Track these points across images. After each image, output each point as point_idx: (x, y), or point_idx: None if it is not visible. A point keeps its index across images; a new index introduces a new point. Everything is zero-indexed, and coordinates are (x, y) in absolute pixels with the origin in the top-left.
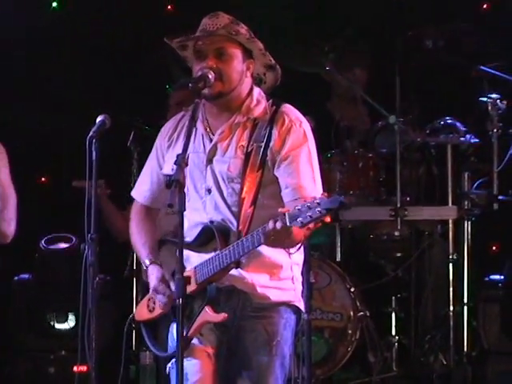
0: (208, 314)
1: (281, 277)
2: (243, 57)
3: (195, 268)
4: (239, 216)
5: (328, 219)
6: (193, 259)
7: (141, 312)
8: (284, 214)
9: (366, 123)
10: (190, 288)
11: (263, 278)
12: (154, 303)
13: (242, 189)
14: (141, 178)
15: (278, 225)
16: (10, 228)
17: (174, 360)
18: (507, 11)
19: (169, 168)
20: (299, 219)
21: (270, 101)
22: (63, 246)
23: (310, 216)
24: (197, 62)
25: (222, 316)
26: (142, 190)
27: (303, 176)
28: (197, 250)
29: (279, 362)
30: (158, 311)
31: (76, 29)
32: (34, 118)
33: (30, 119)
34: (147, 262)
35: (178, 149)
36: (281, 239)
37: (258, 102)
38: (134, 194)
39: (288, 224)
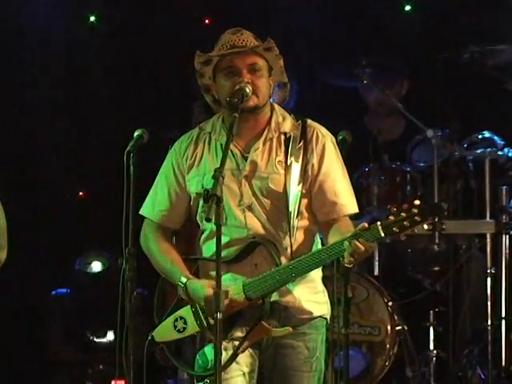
0: (267, 329)
1: (316, 290)
2: (268, 73)
3: (244, 285)
4: (289, 229)
5: (426, 226)
6: (226, 275)
7: (165, 333)
8: (375, 225)
9: (398, 134)
10: (241, 304)
11: (305, 291)
12: (185, 322)
13: (288, 202)
14: (155, 198)
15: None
16: (3, 254)
17: (207, 379)
18: None
19: (196, 186)
20: (395, 228)
21: (292, 116)
22: (98, 267)
23: (410, 223)
24: (227, 76)
25: (288, 330)
26: (158, 210)
27: (343, 193)
28: (230, 265)
29: (318, 376)
30: (190, 331)
31: (114, 43)
32: (72, 133)
33: (67, 134)
34: (184, 279)
35: (204, 167)
36: (363, 253)
37: (284, 116)
38: (147, 213)
39: (382, 235)
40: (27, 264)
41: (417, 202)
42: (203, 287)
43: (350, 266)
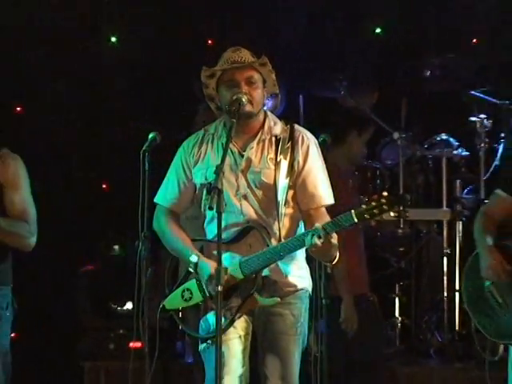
0: (259, 299)
1: (300, 267)
2: (262, 84)
3: (240, 261)
4: (278, 215)
5: (395, 213)
6: (225, 254)
7: (174, 302)
8: (350, 212)
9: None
10: (238, 278)
11: (291, 268)
12: (191, 293)
13: (276, 193)
14: (166, 187)
15: (346, 221)
16: (33, 239)
17: (209, 341)
18: (494, 45)
19: (201, 178)
20: (367, 215)
21: (282, 121)
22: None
23: (380, 211)
24: (228, 88)
25: (277, 300)
26: (169, 198)
27: (321, 186)
28: (229, 245)
29: (301, 339)
30: (195, 300)
31: (132, 59)
32: (98, 137)
33: (95, 138)
34: (195, 258)
35: (208, 161)
36: (329, 247)
37: (275, 122)
38: (160, 200)
39: (355, 220)
40: (59, 246)
41: (385, 194)
42: (209, 267)
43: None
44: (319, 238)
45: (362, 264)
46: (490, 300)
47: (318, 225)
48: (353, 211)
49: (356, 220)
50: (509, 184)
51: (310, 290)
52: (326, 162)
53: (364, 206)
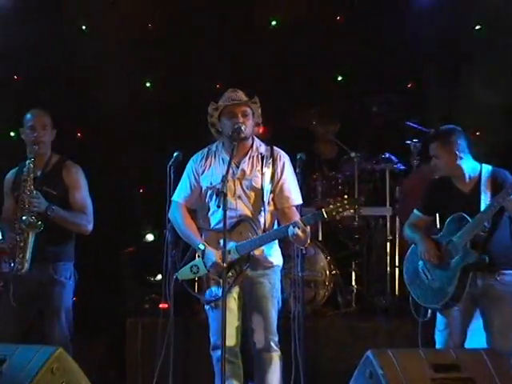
0: (250, 272)
1: (275, 249)
2: (252, 116)
3: (236, 245)
4: (264, 212)
5: (352, 210)
6: (223, 240)
7: (185, 274)
8: (321, 210)
9: (333, 155)
10: (235, 257)
11: (268, 248)
12: (198, 268)
13: (263, 195)
14: (181, 188)
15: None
16: (90, 226)
17: (212, 304)
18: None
19: (207, 183)
20: (334, 213)
21: (265, 143)
22: (151, 237)
23: (343, 209)
24: (228, 118)
25: (263, 272)
26: (184, 196)
27: (293, 191)
28: (227, 233)
29: (276, 301)
30: (200, 274)
31: (161, 98)
32: (138, 154)
33: (135, 156)
34: (202, 246)
35: (212, 170)
36: (305, 235)
37: (260, 144)
38: (176, 198)
39: (326, 217)
40: (110, 233)
41: (346, 196)
42: (213, 255)
43: (295, 243)
44: (299, 228)
45: None
46: (422, 277)
47: (297, 219)
48: (323, 209)
49: (326, 216)
50: (423, 206)
51: (281, 264)
52: (301, 173)
53: (331, 206)
